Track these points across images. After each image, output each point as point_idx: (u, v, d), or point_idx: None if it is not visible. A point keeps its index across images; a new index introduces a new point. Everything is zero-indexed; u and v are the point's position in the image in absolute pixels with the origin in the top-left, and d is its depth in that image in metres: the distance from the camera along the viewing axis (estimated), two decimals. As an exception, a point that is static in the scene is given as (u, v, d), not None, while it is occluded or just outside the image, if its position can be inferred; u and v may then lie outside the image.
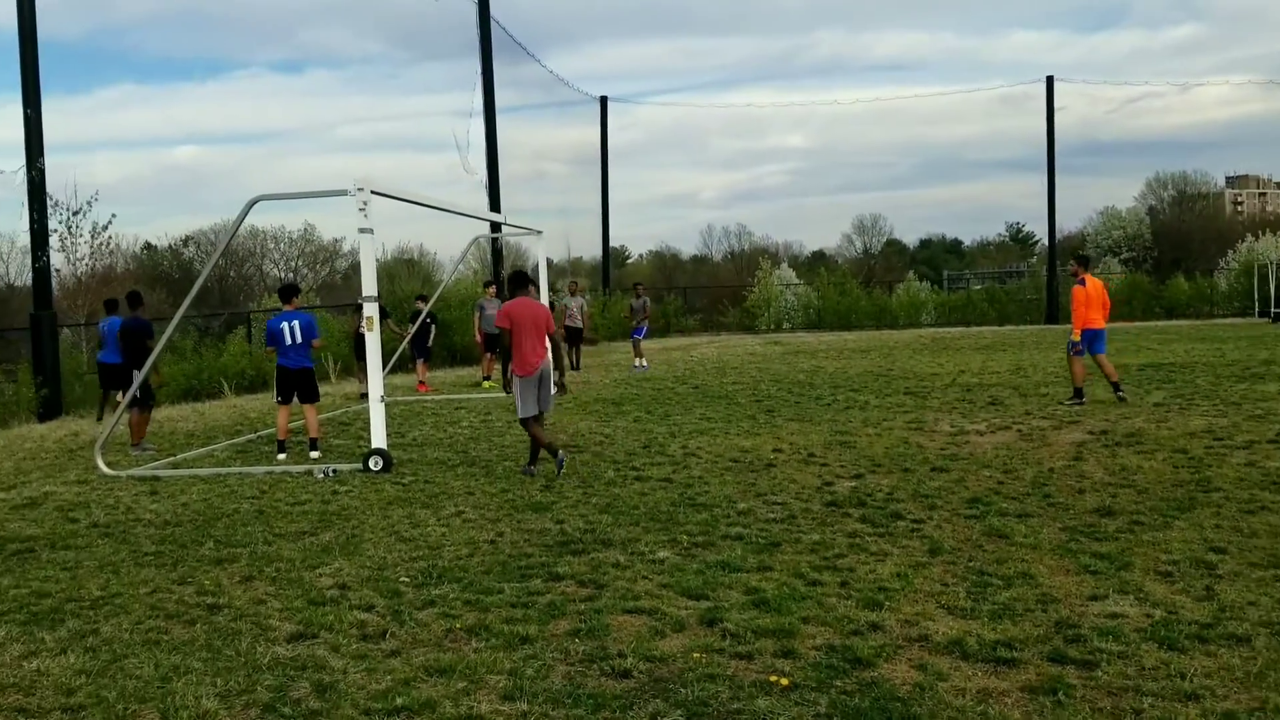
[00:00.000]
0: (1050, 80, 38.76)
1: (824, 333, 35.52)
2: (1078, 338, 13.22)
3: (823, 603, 5.50)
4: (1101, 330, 13.38)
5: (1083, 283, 13.30)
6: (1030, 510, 7.46)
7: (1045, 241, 43.88)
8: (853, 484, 8.64)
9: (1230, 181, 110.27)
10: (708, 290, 49.68)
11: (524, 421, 9.61)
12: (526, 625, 5.25)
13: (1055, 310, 37.32)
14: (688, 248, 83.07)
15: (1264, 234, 47.60)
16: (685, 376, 19.36)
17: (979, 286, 47.63)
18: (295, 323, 11.23)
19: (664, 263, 71.24)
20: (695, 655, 4.77)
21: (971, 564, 6.15)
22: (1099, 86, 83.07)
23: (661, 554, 6.55)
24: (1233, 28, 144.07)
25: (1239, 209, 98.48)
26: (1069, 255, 57.03)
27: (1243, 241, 46.74)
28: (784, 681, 4.43)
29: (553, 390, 9.95)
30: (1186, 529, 6.75)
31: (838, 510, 7.69)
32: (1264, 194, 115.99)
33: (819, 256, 74.89)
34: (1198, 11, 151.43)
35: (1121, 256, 60.67)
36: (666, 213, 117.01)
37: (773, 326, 38.62)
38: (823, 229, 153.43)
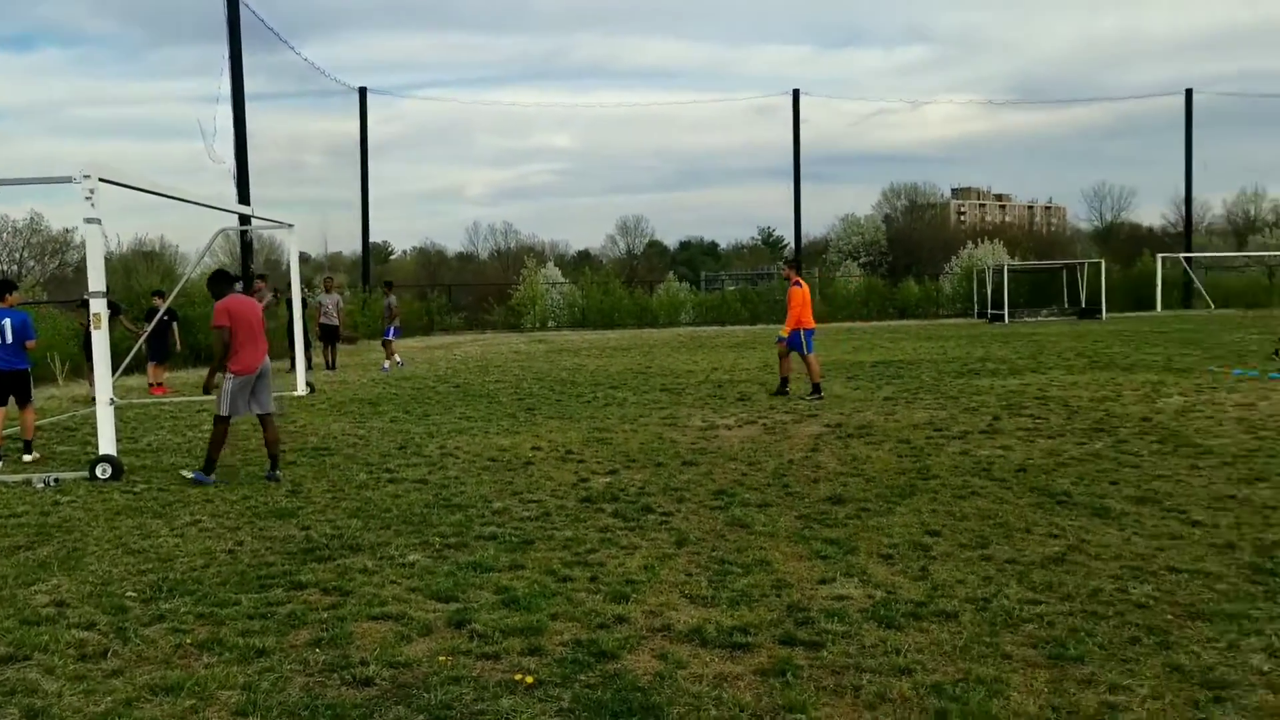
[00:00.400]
0: (796, 94, 40.86)
1: (588, 331, 35.96)
2: (786, 334, 14.02)
3: (572, 598, 5.57)
4: (813, 329, 14.26)
5: (799, 284, 14.11)
6: (770, 500, 7.85)
7: (793, 245, 46.12)
8: (608, 480, 8.80)
9: (955, 193, 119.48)
10: (473, 288, 49.21)
11: (221, 420, 9.14)
12: (264, 637, 5.04)
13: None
14: (453, 245, 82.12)
15: (982, 242, 52.04)
16: (447, 375, 19.13)
17: (733, 287, 49.50)
18: (7, 321, 10.32)
19: (429, 259, 69.95)
20: (441, 659, 4.73)
21: (714, 554, 6.39)
22: (841, 101, 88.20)
23: (412, 557, 6.45)
24: (956, 50, 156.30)
25: (962, 218, 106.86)
26: (815, 259, 60.18)
27: (964, 248, 50.83)
28: (529, 679, 4.47)
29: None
30: (907, 514, 7.28)
31: (592, 506, 7.81)
32: (984, 205, 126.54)
33: (584, 256, 75.76)
34: (926, 34, 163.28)
35: (860, 261, 64.66)
36: (431, 209, 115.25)
37: (538, 325, 38.73)
38: (588, 229, 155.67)
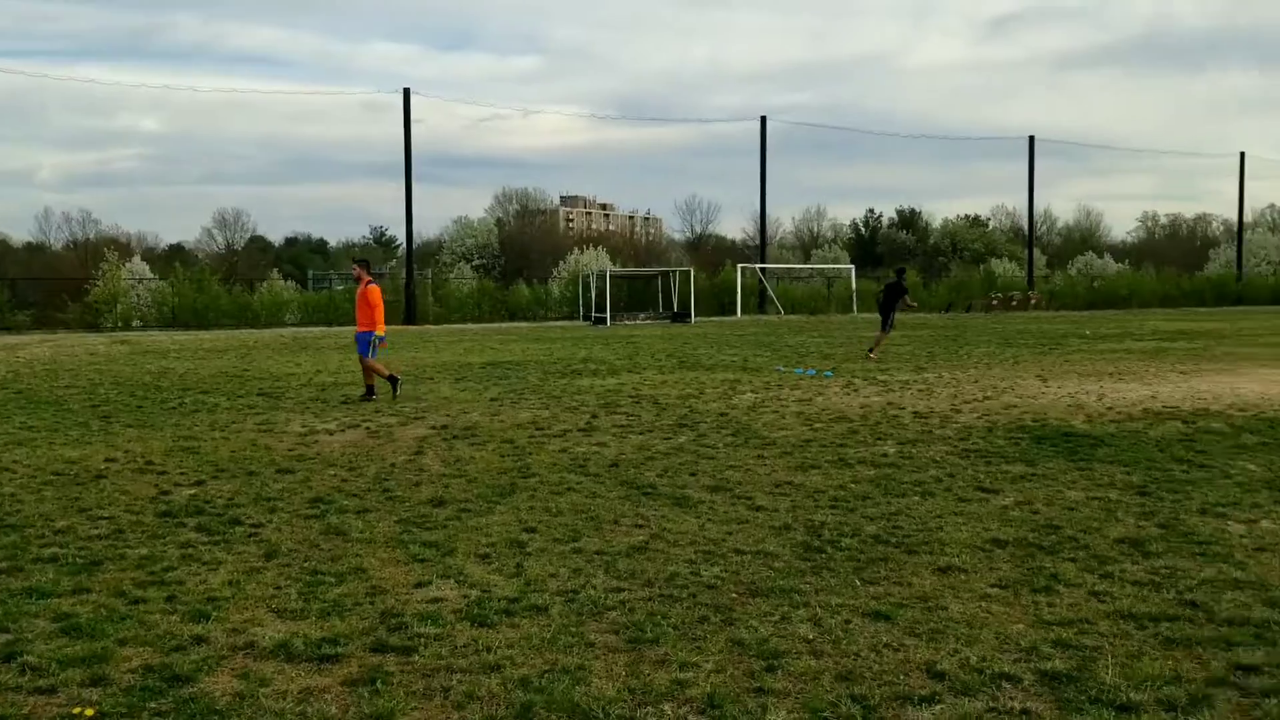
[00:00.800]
0: (407, 92, 40.42)
1: (179, 332, 33.39)
2: (384, 332, 13.96)
3: (145, 621, 5.15)
4: (385, 335, 14.22)
5: (373, 283, 14.04)
6: (370, 505, 7.71)
7: (404, 246, 45.61)
8: (192, 491, 8.23)
9: (564, 200, 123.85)
10: (44, 283, 44.08)
11: None
12: None
13: (414, 311, 39.02)
14: (20, 233, 73.04)
15: (588, 248, 54.36)
16: (7, 381, 16.97)
17: (341, 287, 48.08)
18: None
19: (-14, 249, 61.75)
20: (-18, 699, 4.20)
21: (307, 564, 6.18)
22: (454, 103, 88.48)
23: (-51, 588, 5.66)
24: (567, 63, 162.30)
25: (570, 225, 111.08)
26: (428, 260, 59.73)
27: (571, 254, 52.86)
28: (89, 713, 4.08)
29: None
30: (506, 512, 7.45)
31: (172, 520, 7.26)
32: (590, 213, 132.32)
33: (177, 250, 70.36)
34: (540, 45, 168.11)
35: (474, 263, 65.30)
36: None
37: (121, 324, 35.38)
38: (181, 221, 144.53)
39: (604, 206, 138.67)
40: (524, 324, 38.57)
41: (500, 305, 42.43)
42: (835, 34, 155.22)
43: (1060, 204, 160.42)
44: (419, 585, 5.77)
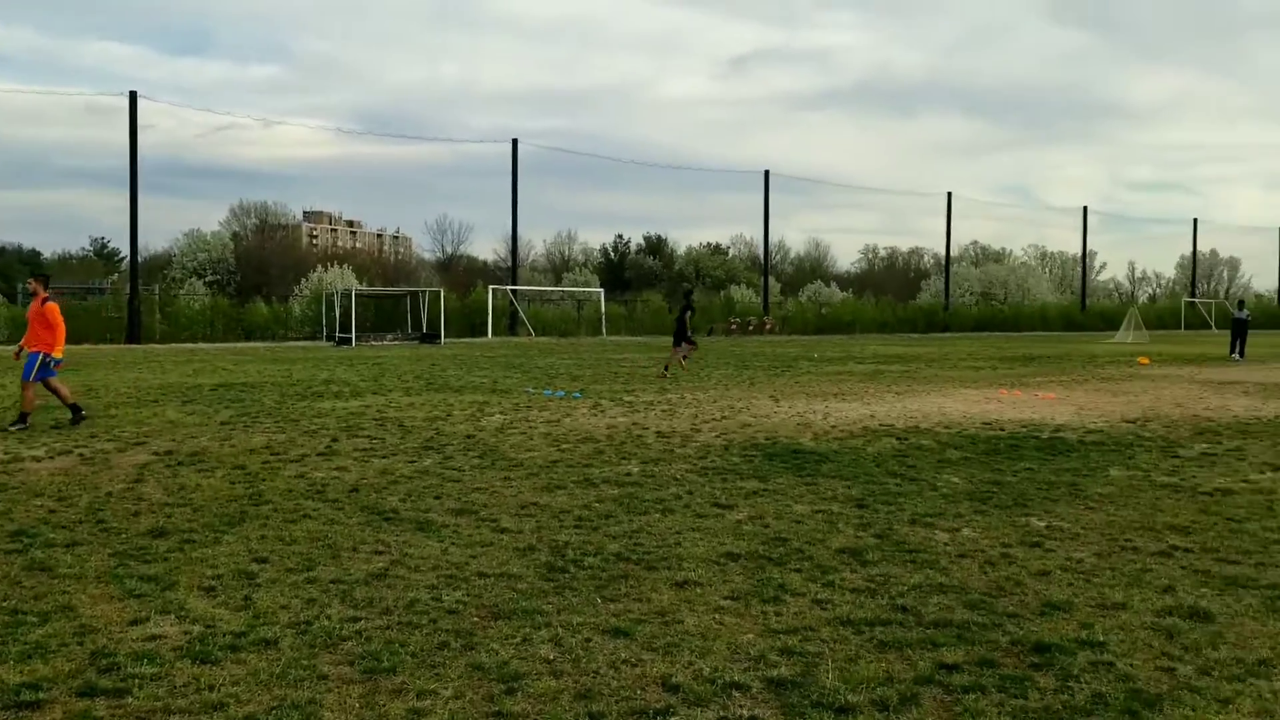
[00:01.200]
0: (134, 95, 37.86)
1: None
2: (60, 355, 12.87)
3: None
4: (60, 359, 13.04)
5: (50, 301, 12.87)
6: (81, 538, 7.11)
7: (129, 258, 42.59)
8: None
9: (308, 215, 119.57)
10: None
11: None
12: None
13: (138, 329, 36.45)
14: None
15: (333, 266, 52.64)
16: None
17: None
18: None
19: None
20: None
21: (5, 603, 5.63)
22: (187, 110, 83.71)
23: None
24: (312, 75, 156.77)
25: (314, 241, 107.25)
26: (155, 275, 56.05)
27: (314, 271, 51.04)
28: None
29: None
30: (235, 542, 7.07)
31: None
32: (335, 230, 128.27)
33: None
34: (283, 54, 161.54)
35: (206, 279, 61.75)
36: None
37: None
38: None
39: (350, 223, 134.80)
40: (261, 344, 36.82)
41: (235, 324, 40.35)
42: (584, 64, 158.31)
43: (793, 235, 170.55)
44: (134, 623, 5.37)
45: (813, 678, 4.69)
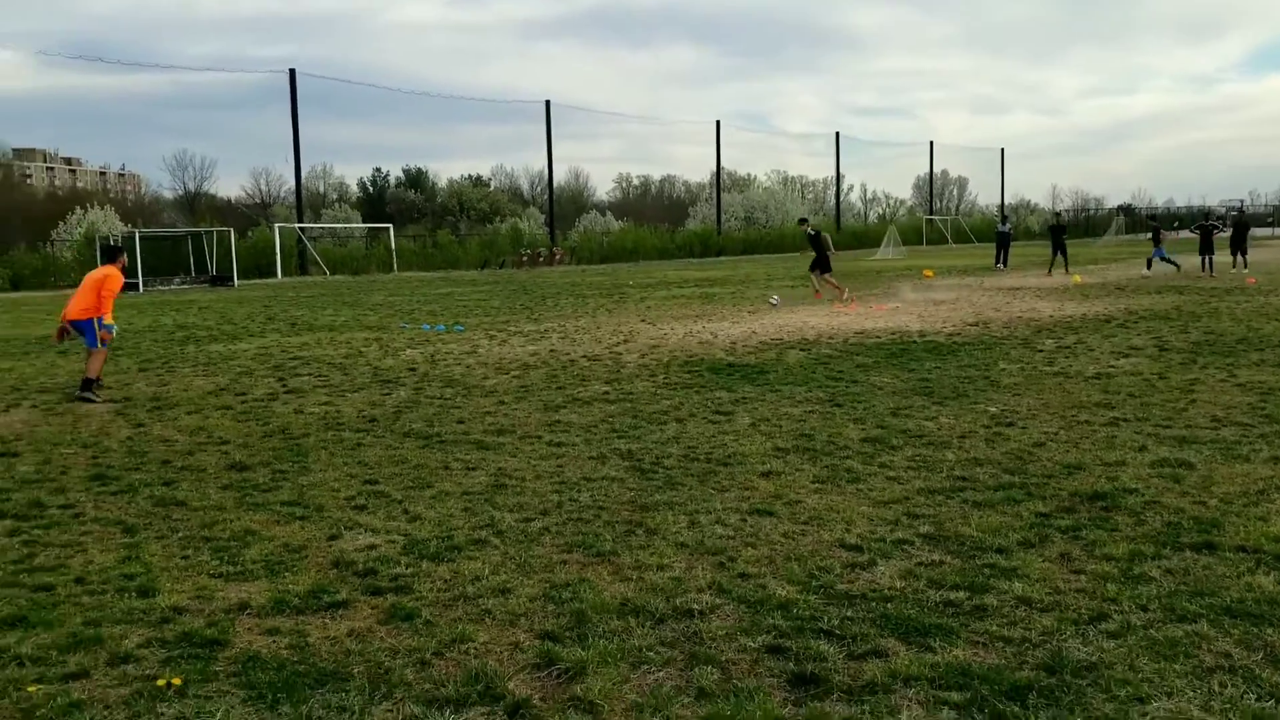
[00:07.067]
0: None
1: None
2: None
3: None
4: None
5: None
6: (168, 477, 7.23)
7: None
8: (-93, 487, 7.11)
9: (17, 153, 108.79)
10: None
11: None
12: None
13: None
14: None
15: (93, 207, 48.88)
16: None
17: None
18: None
19: None
20: None
21: (183, 531, 5.89)
22: None
23: None
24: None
25: (28, 180, 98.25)
26: None
27: (73, 213, 47.33)
28: (177, 681, 3.92)
29: None
30: (324, 470, 7.39)
31: (-65, 517, 6.35)
32: (52, 168, 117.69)
33: None
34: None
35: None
36: None
37: None
38: None
39: (69, 161, 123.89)
40: (37, 293, 34.13)
41: (-4, 272, 37.05)
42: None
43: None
44: (332, 538, 5.81)
45: (951, 530, 5.80)
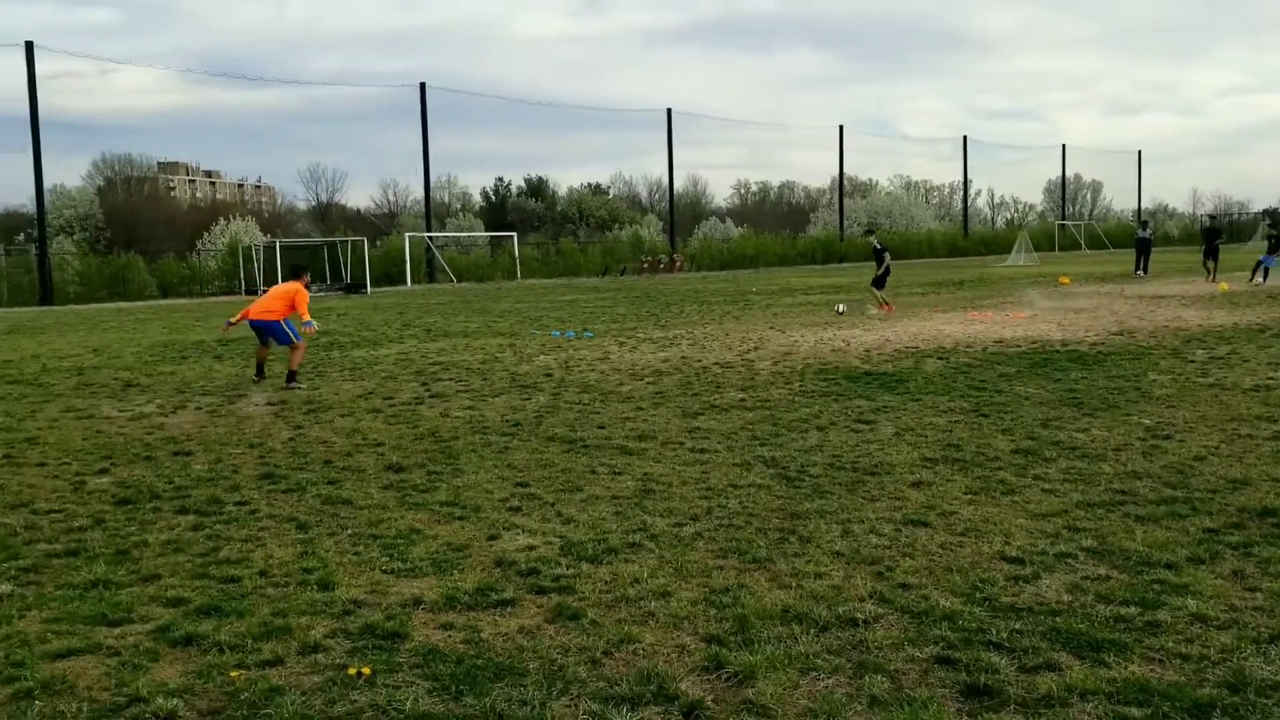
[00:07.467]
0: (30, 45, 35.90)
1: None
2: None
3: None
4: None
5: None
6: (331, 477, 7.56)
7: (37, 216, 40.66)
8: (100, 480, 7.59)
9: (163, 167, 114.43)
10: None
11: None
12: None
13: (49, 290, 35.10)
14: None
15: (235, 218, 51.21)
16: None
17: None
18: None
19: None
20: None
21: (350, 529, 6.15)
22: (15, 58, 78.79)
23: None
24: (146, 17, 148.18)
25: (173, 193, 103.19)
26: (12, 235, 53.28)
27: (216, 224, 49.61)
28: (366, 671, 4.11)
29: None
30: (476, 471, 7.61)
31: (135, 507, 6.77)
32: (194, 180, 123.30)
33: None
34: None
35: (75, 237, 59.06)
36: None
37: None
38: None
39: (209, 174, 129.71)
40: (184, 300, 35.88)
41: (142, 283, 39.00)
42: (432, 2, 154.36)
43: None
44: (491, 538, 5.99)
45: (1115, 544, 5.66)
